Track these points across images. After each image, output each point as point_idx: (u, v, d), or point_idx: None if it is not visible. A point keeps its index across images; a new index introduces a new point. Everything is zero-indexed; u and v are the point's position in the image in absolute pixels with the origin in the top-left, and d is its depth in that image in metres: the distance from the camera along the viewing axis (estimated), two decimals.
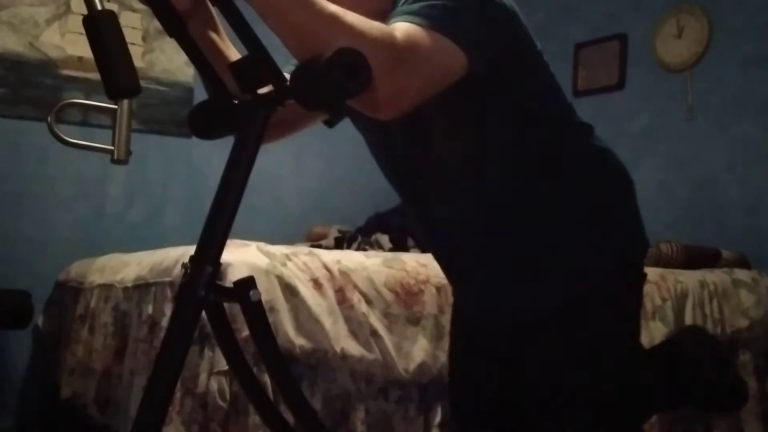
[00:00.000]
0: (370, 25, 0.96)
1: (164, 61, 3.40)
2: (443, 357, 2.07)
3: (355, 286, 2.03)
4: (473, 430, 1.41)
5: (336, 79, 0.89)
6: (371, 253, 2.50)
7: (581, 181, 1.27)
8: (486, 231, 1.28)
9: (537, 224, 1.25)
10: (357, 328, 1.99)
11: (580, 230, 1.25)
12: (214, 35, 1.19)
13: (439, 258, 1.44)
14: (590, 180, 1.28)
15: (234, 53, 1.19)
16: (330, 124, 1.43)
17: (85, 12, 0.93)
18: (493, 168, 1.25)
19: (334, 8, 0.95)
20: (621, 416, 1.25)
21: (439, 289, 2.12)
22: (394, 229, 3.24)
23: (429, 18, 1.02)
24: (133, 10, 3.31)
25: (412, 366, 2.04)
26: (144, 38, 3.36)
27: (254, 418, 1.79)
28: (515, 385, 1.31)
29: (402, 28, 1.00)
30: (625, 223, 1.30)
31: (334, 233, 3.35)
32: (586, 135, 1.30)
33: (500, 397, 1.36)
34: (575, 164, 1.27)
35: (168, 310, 1.94)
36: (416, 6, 1.04)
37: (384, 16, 1.08)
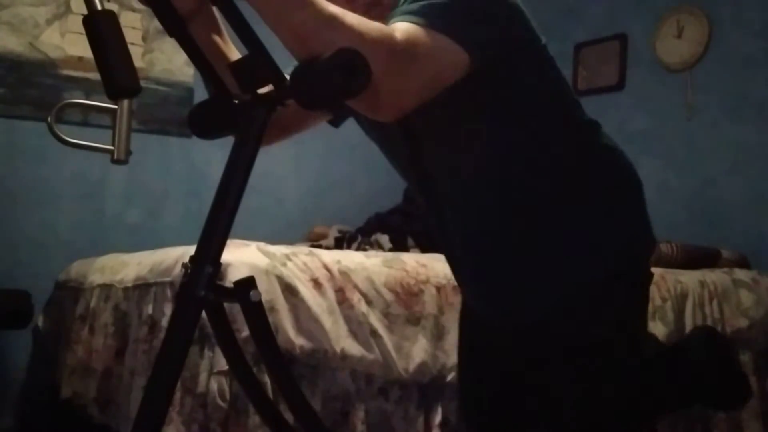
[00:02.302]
0: (370, 26, 0.96)
1: (164, 61, 3.40)
2: (443, 357, 2.07)
3: (355, 286, 2.03)
4: (481, 429, 1.41)
5: (335, 79, 0.89)
6: (371, 253, 2.50)
7: (590, 180, 1.26)
8: (494, 230, 1.28)
9: (544, 223, 1.24)
10: (357, 328, 1.99)
11: (587, 230, 1.24)
12: (216, 36, 1.18)
13: (449, 257, 1.44)
14: (599, 179, 1.27)
15: (236, 54, 1.19)
16: (335, 123, 1.43)
17: (85, 12, 0.93)
18: (500, 167, 1.24)
19: (333, 9, 0.95)
20: (628, 417, 1.25)
21: (439, 289, 2.12)
22: (394, 229, 3.24)
23: (429, 17, 1.02)
24: (133, 10, 3.31)
25: (412, 366, 2.04)
26: (144, 38, 3.36)
27: (254, 418, 1.79)
28: (521, 386, 1.31)
29: (402, 27, 1.00)
30: (633, 222, 1.30)
31: (334, 233, 3.35)
32: (594, 133, 1.29)
33: (506, 397, 1.36)
34: (583, 163, 1.27)
35: (168, 310, 1.94)
36: (416, 5, 1.04)
37: (383, 16, 1.07)
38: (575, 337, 1.22)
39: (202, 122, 1.15)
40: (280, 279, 1.92)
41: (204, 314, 0.99)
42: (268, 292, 1.88)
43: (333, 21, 0.94)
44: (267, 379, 1.69)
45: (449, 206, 1.31)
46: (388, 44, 0.97)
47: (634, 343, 1.28)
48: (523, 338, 1.30)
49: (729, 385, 1.40)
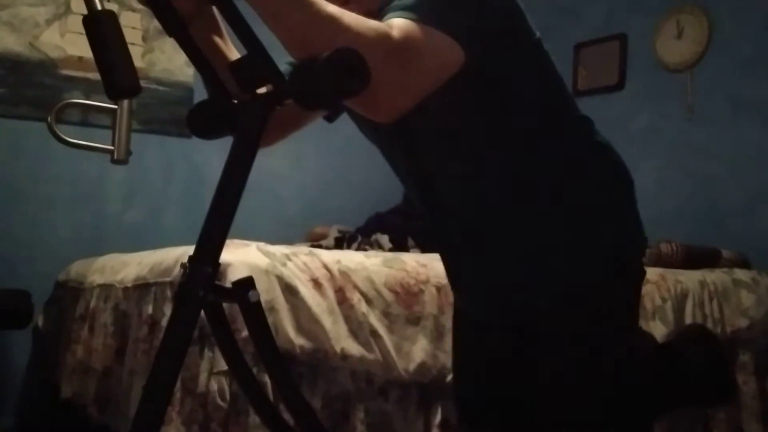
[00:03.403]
0: (368, 25, 0.96)
1: (164, 61, 3.40)
2: (443, 357, 2.07)
3: (355, 286, 2.03)
4: (478, 429, 1.41)
5: (334, 80, 0.89)
6: (371, 253, 2.50)
7: (582, 177, 1.26)
8: (485, 227, 1.28)
9: (536, 221, 1.24)
10: (357, 328, 1.99)
11: (579, 228, 1.24)
12: (216, 37, 1.18)
13: (444, 257, 1.44)
14: (591, 176, 1.27)
15: (235, 55, 1.19)
16: (330, 119, 1.43)
17: (85, 12, 0.93)
18: (494, 162, 1.24)
19: (332, 9, 0.95)
20: (624, 416, 1.25)
21: (439, 289, 2.12)
22: (394, 229, 3.24)
23: (423, 11, 1.02)
24: (133, 10, 3.31)
25: (412, 366, 2.04)
26: (144, 38, 3.36)
27: (254, 418, 1.79)
28: (516, 385, 1.31)
29: (398, 24, 1.00)
30: (625, 220, 1.30)
31: (334, 233, 3.35)
32: (587, 129, 1.29)
33: (502, 396, 1.36)
34: (576, 159, 1.27)
35: (168, 310, 1.94)
36: (410, 0, 1.04)
37: (379, 12, 1.07)
38: (569, 334, 1.22)
39: (201, 122, 1.15)
40: (280, 279, 1.92)
41: (203, 314, 0.99)
42: (268, 292, 1.88)
43: (331, 21, 0.94)
44: (267, 380, 1.69)
45: (445, 204, 1.31)
46: (385, 44, 0.97)
47: (627, 341, 1.29)
48: (513, 338, 1.31)
49: (721, 384, 1.41)
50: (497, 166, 1.24)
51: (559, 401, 1.23)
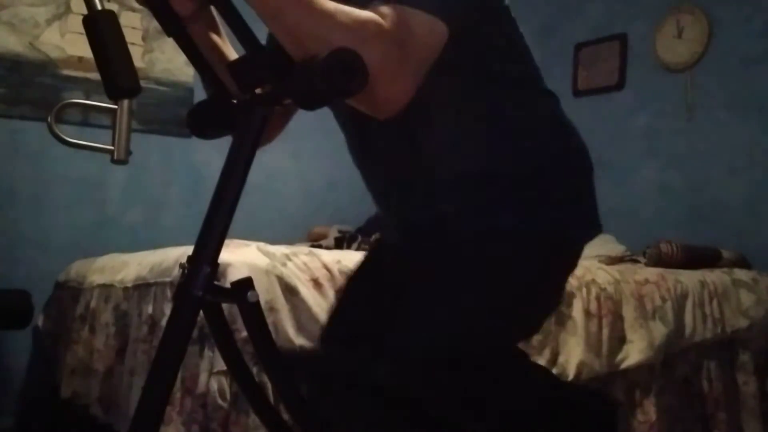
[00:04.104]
0: (362, 20, 0.97)
1: (164, 61, 3.40)
2: None
3: None
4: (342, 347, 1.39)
5: (333, 80, 0.89)
6: None
7: (543, 149, 1.25)
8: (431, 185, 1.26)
9: (491, 186, 1.23)
10: None
11: (528, 198, 1.23)
12: (215, 37, 1.19)
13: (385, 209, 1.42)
14: (553, 150, 1.26)
15: (234, 55, 1.19)
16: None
17: (85, 12, 0.93)
18: (462, 129, 1.23)
19: (329, 6, 0.95)
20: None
21: None
22: None
23: None
24: (133, 10, 3.31)
25: None
26: (144, 38, 3.36)
27: (254, 418, 1.79)
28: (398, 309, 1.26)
29: (387, 13, 1.00)
30: (575, 202, 1.28)
31: (334, 233, 3.35)
32: (554, 103, 1.29)
33: (380, 320, 1.30)
34: (541, 132, 1.26)
35: (168, 310, 1.94)
36: None
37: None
38: (463, 272, 1.20)
39: (200, 122, 1.15)
40: (280, 279, 1.92)
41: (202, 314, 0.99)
42: (268, 292, 1.88)
43: (327, 20, 0.94)
44: (267, 380, 1.69)
45: (389, 160, 1.30)
46: (381, 38, 0.97)
47: (514, 305, 1.24)
48: (420, 260, 1.28)
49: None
50: (459, 133, 1.23)
51: (425, 326, 1.20)
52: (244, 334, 1.55)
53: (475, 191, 1.23)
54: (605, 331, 2.39)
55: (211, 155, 3.29)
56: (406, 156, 1.28)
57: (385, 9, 1.01)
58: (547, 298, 1.32)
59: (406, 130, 1.21)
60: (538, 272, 1.24)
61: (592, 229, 1.31)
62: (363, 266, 1.50)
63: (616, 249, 3.20)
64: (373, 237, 3.21)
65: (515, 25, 1.24)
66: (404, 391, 1.17)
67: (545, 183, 1.24)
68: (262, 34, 0.98)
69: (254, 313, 0.99)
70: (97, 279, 2.50)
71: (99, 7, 0.93)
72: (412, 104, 1.04)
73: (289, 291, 1.92)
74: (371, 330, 1.28)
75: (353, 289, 1.49)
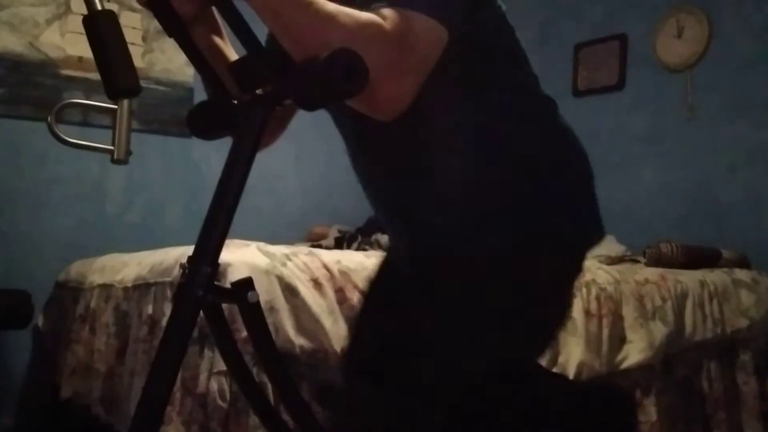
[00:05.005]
0: (363, 22, 0.97)
1: (164, 61, 3.40)
2: None
3: (355, 286, 2.03)
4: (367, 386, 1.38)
5: (334, 81, 0.89)
6: (371, 253, 2.50)
7: (543, 156, 1.24)
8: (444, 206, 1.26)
9: (492, 196, 1.22)
10: None
11: (529, 206, 1.22)
12: (217, 39, 1.19)
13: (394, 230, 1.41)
14: (553, 156, 1.25)
15: (235, 56, 1.18)
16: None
17: (85, 12, 0.93)
18: (457, 135, 1.22)
19: (330, 8, 0.95)
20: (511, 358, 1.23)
21: None
22: None
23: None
24: (133, 10, 3.31)
25: None
26: (144, 38, 3.36)
27: (254, 418, 1.79)
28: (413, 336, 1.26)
29: (389, 15, 1.00)
30: (574, 210, 1.27)
31: (334, 233, 3.36)
32: (552, 109, 1.28)
33: (399, 347, 1.31)
34: (540, 138, 1.25)
35: (168, 310, 1.94)
36: None
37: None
38: (471, 292, 1.19)
39: (201, 123, 1.15)
40: (280, 279, 1.92)
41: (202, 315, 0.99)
42: (268, 292, 1.88)
43: (328, 21, 0.94)
44: (267, 380, 1.69)
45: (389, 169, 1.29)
46: (382, 39, 0.97)
47: (525, 320, 1.23)
48: (429, 285, 1.27)
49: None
50: (457, 139, 1.22)
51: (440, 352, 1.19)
52: (244, 334, 1.55)
53: (474, 199, 1.23)
54: (605, 331, 2.39)
55: (211, 155, 3.29)
56: (405, 161, 1.27)
57: (387, 11, 1.01)
58: (558, 308, 1.31)
59: (404, 134, 1.21)
60: (549, 284, 1.24)
61: (595, 234, 1.30)
62: (374, 291, 1.48)
63: (616, 249, 3.20)
64: (373, 237, 3.21)
65: (513, 32, 1.24)
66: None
67: (546, 190, 1.24)
68: (262, 34, 0.98)
69: (254, 314, 0.99)
70: (97, 279, 2.50)
71: (99, 7, 0.93)
72: (411, 108, 1.04)
73: (289, 291, 1.92)
74: (393, 360, 1.28)
75: (368, 317, 1.47)
